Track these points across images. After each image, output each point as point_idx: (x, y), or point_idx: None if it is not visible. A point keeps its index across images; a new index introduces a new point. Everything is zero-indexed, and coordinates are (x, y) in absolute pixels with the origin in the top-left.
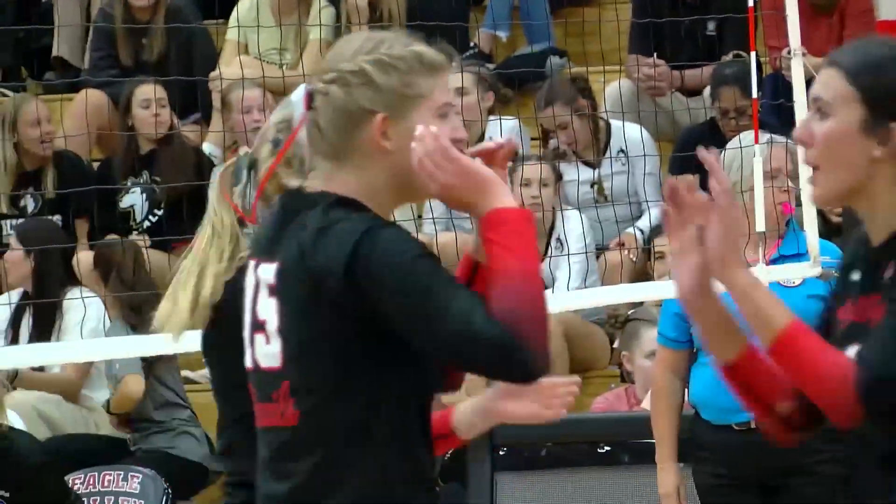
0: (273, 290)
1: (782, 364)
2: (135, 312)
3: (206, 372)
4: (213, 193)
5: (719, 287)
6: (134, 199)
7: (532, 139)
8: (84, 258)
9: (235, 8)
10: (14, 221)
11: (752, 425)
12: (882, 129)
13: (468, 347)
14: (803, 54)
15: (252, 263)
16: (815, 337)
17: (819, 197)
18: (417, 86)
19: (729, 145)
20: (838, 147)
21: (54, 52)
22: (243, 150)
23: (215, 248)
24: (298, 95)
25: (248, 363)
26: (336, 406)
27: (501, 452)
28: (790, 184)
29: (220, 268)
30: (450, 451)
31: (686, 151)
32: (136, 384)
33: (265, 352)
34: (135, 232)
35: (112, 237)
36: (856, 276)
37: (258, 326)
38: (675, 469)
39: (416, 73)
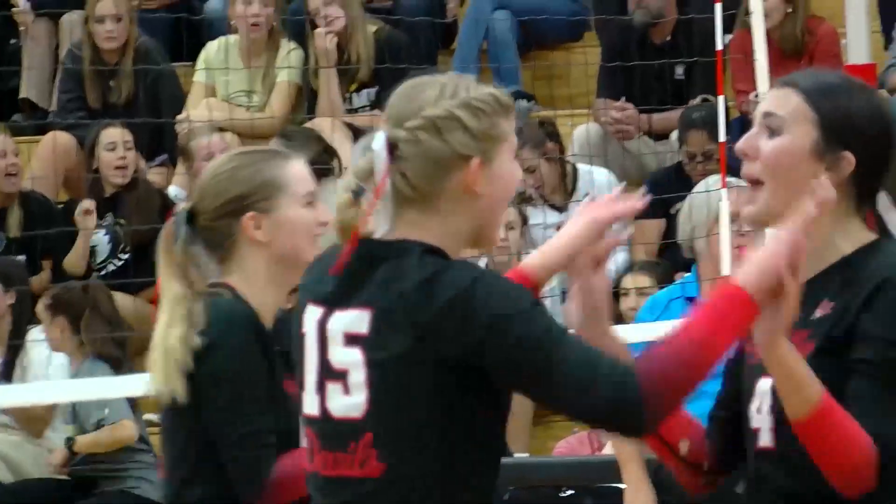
0: (357, 340)
1: (810, 437)
2: (119, 346)
3: None
4: (159, 256)
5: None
6: (97, 240)
7: None
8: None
9: (204, 50)
10: None
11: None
12: (832, 155)
13: (588, 400)
14: None
15: (314, 309)
16: (842, 411)
17: (756, 214)
18: (500, 128)
19: (695, 189)
20: (787, 164)
21: (22, 94)
22: (181, 205)
23: (177, 314)
24: (379, 144)
25: (314, 411)
26: (425, 459)
27: None
28: (748, 227)
29: (185, 332)
30: None
31: (653, 195)
32: (131, 429)
33: (343, 402)
34: (95, 273)
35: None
36: None
37: (333, 375)
38: (647, 486)
39: (498, 114)
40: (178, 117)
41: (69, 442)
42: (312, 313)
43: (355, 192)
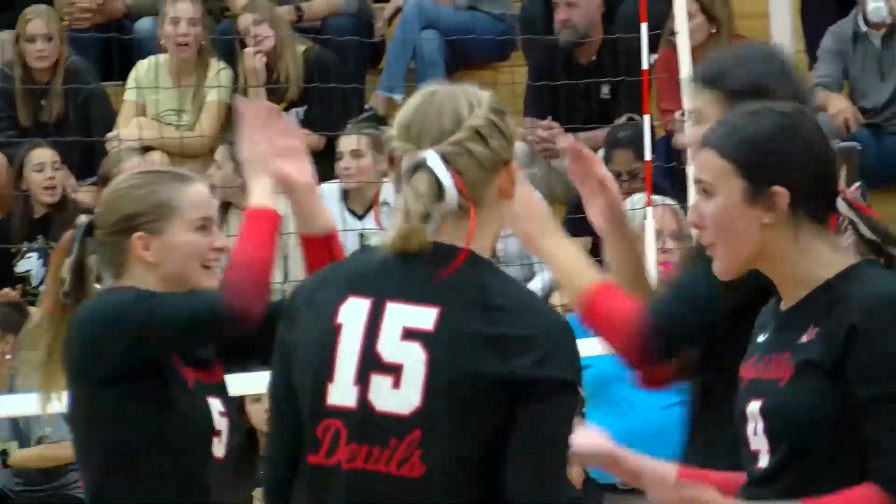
0: (418, 336)
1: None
2: None
3: None
4: (50, 264)
5: None
6: (30, 264)
7: None
8: None
9: (134, 69)
10: None
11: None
12: (765, 195)
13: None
14: None
15: (359, 301)
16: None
17: (722, 271)
18: (513, 128)
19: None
20: (728, 223)
21: None
22: (81, 218)
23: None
24: (436, 162)
25: (346, 402)
26: (466, 466)
27: None
28: (672, 244)
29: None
30: None
31: (579, 214)
32: (70, 451)
33: (391, 395)
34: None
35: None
36: (762, 338)
37: (382, 368)
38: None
39: (509, 115)
40: (109, 135)
41: (3, 456)
42: (356, 305)
43: (426, 217)
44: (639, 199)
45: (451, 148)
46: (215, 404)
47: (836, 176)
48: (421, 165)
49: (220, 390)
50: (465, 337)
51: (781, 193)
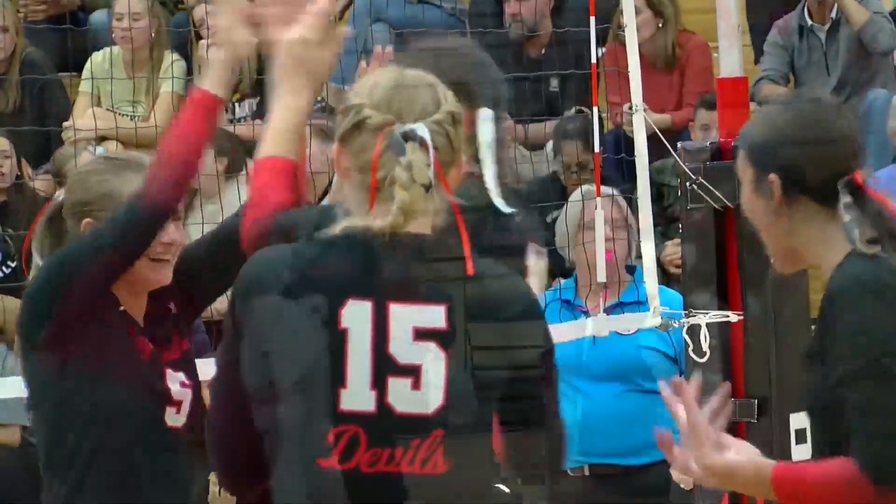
0: (432, 335)
1: (793, 501)
2: None
3: None
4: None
5: None
6: None
7: None
8: None
9: (89, 60)
10: None
11: (587, 472)
12: (765, 183)
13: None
14: (644, 110)
15: (360, 303)
16: (798, 465)
17: (776, 267)
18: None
19: (570, 198)
20: (750, 213)
21: None
22: (57, 196)
23: None
24: (427, 135)
25: (365, 407)
26: (485, 456)
27: None
28: (611, 233)
29: None
30: None
31: (530, 204)
32: (16, 436)
33: (412, 397)
34: None
35: None
36: None
37: (399, 370)
38: None
39: None
40: (65, 124)
41: None
42: (358, 308)
43: (427, 187)
44: (587, 190)
45: (433, 126)
46: (177, 376)
47: (838, 160)
48: (411, 136)
49: (183, 363)
50: (478, 329)
51: (772, 180)
